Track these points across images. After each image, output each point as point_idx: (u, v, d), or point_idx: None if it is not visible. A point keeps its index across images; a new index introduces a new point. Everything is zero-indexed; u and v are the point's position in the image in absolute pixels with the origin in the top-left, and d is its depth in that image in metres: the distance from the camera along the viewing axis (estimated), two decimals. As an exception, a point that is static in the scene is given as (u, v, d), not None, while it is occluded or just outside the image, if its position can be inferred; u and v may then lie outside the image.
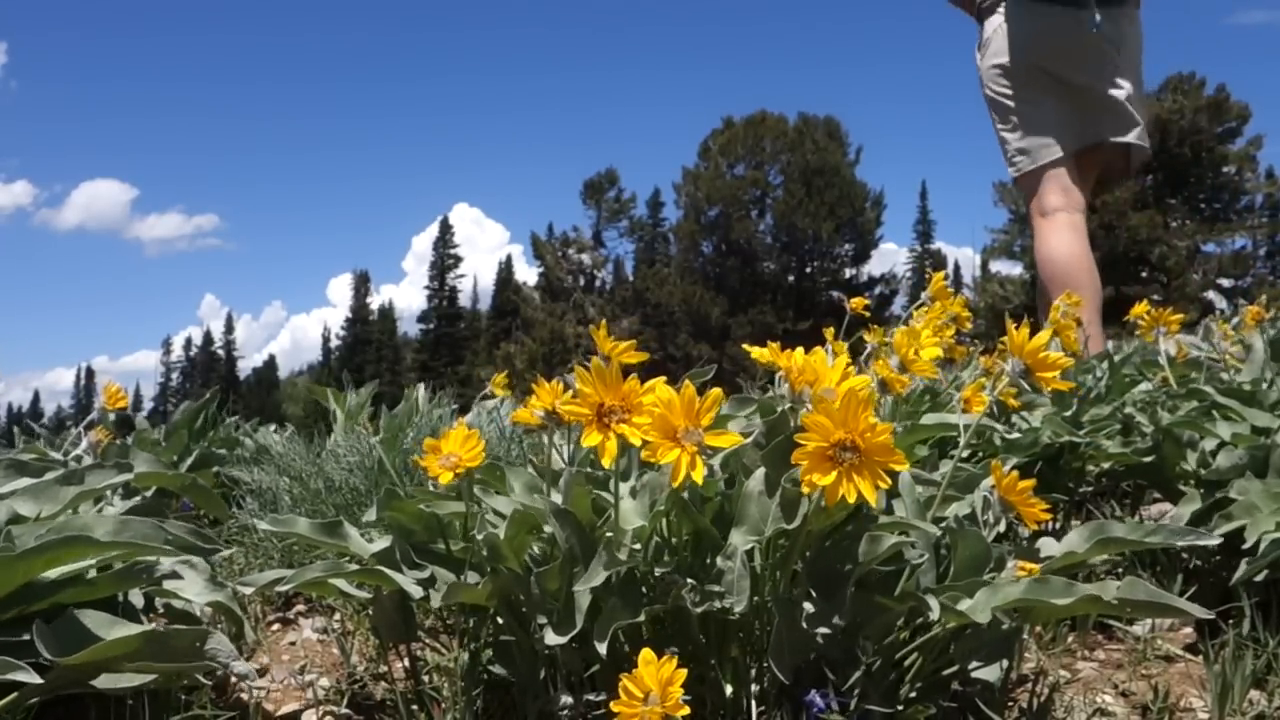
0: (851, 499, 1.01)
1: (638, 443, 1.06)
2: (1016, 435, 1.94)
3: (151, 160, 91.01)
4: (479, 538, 1.24)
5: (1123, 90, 2.50)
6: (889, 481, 1.04)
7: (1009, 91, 2.54)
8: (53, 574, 1.21)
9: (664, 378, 1.12)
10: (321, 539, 1.33)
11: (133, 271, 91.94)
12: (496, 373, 2.90)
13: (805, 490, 1.03)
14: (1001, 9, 2.51)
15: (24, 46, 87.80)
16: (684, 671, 0.95)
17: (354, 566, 1.31)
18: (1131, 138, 2.52)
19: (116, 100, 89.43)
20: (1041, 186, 2.59)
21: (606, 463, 1.09)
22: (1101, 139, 2.58)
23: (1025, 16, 2.42)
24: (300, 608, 1.91)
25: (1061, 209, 2.55)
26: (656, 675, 0.95)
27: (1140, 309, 2.60)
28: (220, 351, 57.62)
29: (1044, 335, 1.20)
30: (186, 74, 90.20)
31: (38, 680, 1.06)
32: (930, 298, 2.20)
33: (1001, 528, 1.25)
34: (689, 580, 1.14)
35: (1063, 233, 2.51)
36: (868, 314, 2.47)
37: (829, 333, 1.76)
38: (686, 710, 0.94)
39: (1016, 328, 1.22)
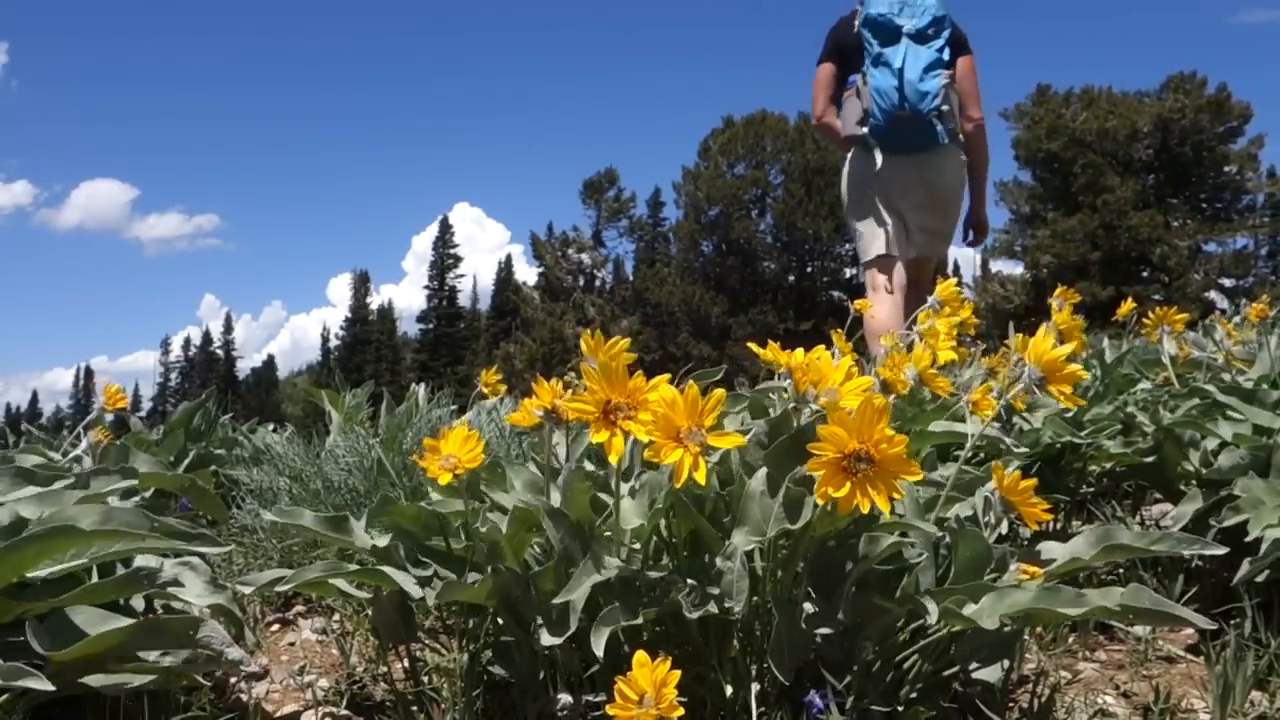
0: (866, 509, 1.01)
1: (645, 439, 1.05)
2: (1024, 450, 1.94)
3: (152, 160, 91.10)
4: (482, 530, 1.24)
5: (926, 217, 3.25)
6: (902, 493, 1.03)
7: (854, 207, 3.37)
8: (46, 573, 1.20)
9: (668, 375, 1.11)
10: (327, 533, 1.33)
11: (132, 271, 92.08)
12: (497, 373, 2.87)
13: (820, 501, 1.03)
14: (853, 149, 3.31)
15: (25, 47, 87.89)
16: (679, 673, 0.94)
17: (353, 566, 1.31)
18: (925, 251, 3.35)
19: (117, 100, 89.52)
20: (868, 274, 3.45)
21: (613, 460, 1.08)
22: (906, 252, 3.40)
23: (863, 159, 3.22)
24: (300, 608, 1.91)
25: (878, 289, 3.38)
26: (651, 677, 0.94)
27: (1126, 308, 2.65)
28: (219, 351, 57.61)
29: (1068, 347, 1.19)
30: (187, 75, 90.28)
31: (50, 688, 1.05)
32: (939, 302, 2.18)
33: (1004, 529, 1.25)
34: (688, 582, 1.14)
35: (880, 305, 3.26)
36: (873, 319, 2.49)
37: (837, 335, 1.75)
38: (681, 711, 0.94)
39: (1034, 331, 1.21)
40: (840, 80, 3.23)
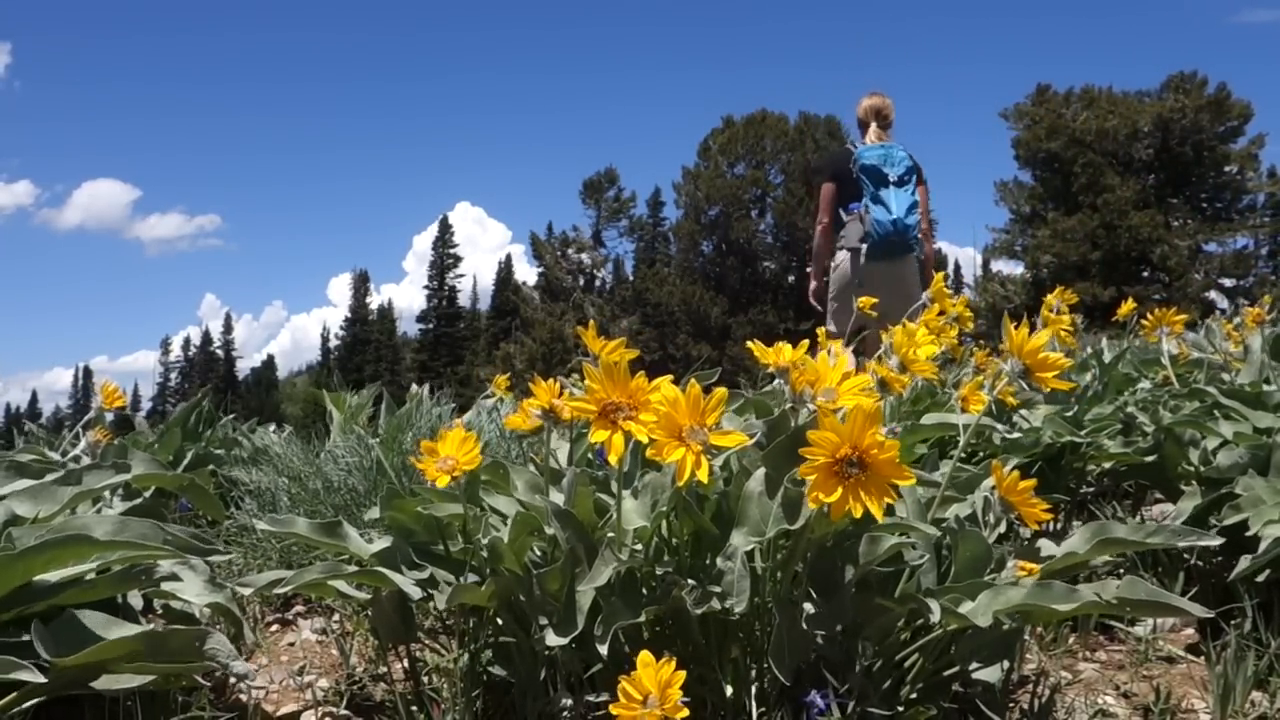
0: (858, 514, 1.00)
1: (645, 439, 1.05)
2: (1018, 435, 1.93)
3: (153, 160, 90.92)
4: (484, 541, 1.24)
5: (895, 300, 4.15)
6: (896, 497, 1.03)
7: (833, 294, 4.59)
8: (53, 576, 1.20)
9: (670, 376, 1.11)
10: (321, 539, 1.33)
11: (133, 271, 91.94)
12: (497, 373, 2.89)
13: (813, 506, 1.02)
14: (839, 254, 4.56)
15: (28, 47, 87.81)
16: (683, 674, 0.94)
17: (353, 568, 1.31)
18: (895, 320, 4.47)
19: (119, 101, 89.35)
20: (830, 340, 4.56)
21: (613, 459, 1.08)
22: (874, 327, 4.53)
23: (848, 261, 4.48)
24: (299, 609, 1.91)
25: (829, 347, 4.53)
26: (655, 677, 0.94)
27: (1126, 308, 2.68)
28: (219, 351, 57.58)
29: (1043, 335, 1.19)
30: (189, 75, 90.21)
31: (40, 679, 1.05)
32: (929, 299, 2.22)
33: (1003, 528, 1.24)
34: (689, 581, 1.14)
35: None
36: (874, 314, 2.51)
37: (821, 331, 1.76)
38: (686, 712, 0.93)
39: (1015, 328, 1.21)
40: (838, 196, 4.55)
